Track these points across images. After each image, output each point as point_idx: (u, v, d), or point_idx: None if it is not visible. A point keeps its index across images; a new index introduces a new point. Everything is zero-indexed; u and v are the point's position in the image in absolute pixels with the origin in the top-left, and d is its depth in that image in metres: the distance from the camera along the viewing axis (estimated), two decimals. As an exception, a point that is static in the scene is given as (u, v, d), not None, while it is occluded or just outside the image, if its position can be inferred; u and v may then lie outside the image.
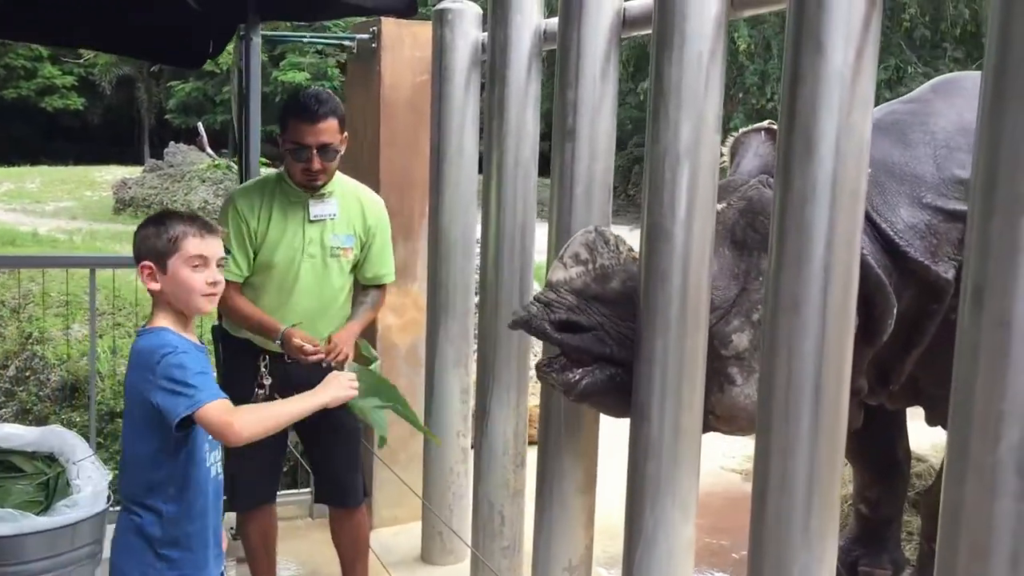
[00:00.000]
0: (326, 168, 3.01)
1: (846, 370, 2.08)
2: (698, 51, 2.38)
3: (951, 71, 17.12)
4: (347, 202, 3.16)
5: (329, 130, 2.98)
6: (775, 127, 2.97)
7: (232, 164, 20.84)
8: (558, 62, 2.88)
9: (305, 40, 4.09)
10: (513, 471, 3.39)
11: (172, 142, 22.54)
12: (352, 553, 3.26)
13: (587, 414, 2.97)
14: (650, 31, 2.71)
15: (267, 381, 3.02)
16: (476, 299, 3.87)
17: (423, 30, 4.02)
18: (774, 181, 2.11)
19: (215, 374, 3.47)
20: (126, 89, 34.46)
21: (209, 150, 22.58)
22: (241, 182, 3.95)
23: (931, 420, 3.30)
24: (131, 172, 22.90)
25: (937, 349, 2.97)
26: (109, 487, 3.52)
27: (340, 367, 2.88)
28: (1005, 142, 1.60)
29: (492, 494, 3.38)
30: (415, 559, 3.96)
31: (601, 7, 2.79)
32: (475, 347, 3.84)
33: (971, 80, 3.23)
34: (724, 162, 3.02)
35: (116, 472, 5.73)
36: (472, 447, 3.71)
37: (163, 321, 2.18)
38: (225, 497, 3.39)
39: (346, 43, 4.14)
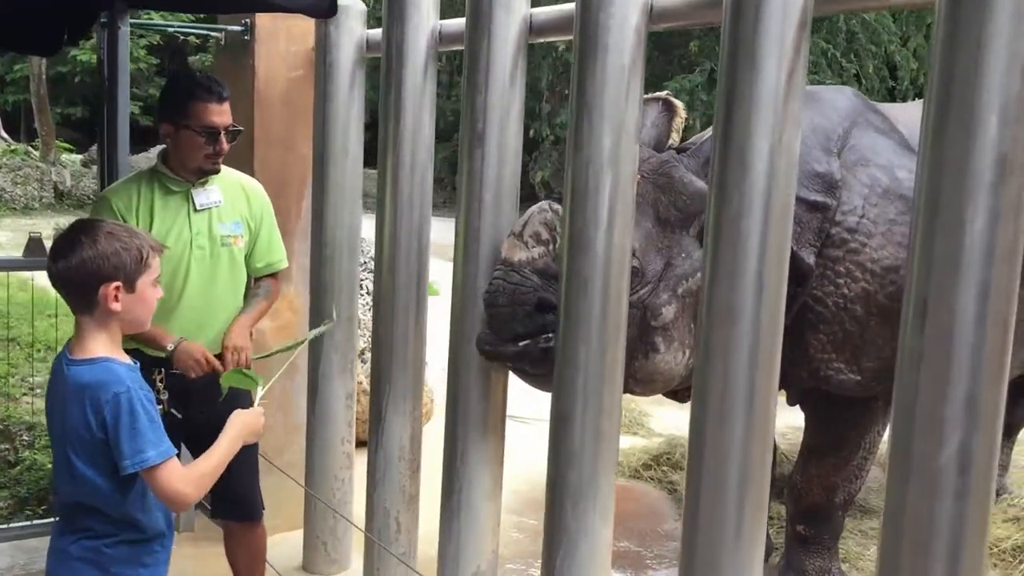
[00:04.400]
0: (225, 151, 2.92)
1: (775, 376, 2.18)
2: (620, 63, 2.43)
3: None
4: (230, 188, 3.05)
5: (230, 111, 2.92)
6: (672, 99, 3.13)
7: (31, 149, 19.46)
8: (466, 67, 2.86)
9: (170, 30, 3.87)
10: (409, 476, 3.36)
11: (-38, 125, 20.82)
12: (251, 569, 3.14)
13: (493, 419, 2.99)
14: (557, 38, 2.76)
15: (164, 396, 2.84)
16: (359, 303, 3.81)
17: (297, 23, 3.89)
18: (709, 197, 2.18)
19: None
20: (-100, 64, 31.47)
21: (3, 133, 21.01)
22: (104, 178, 3.71)
23: (790, 400, 3.54)
24: (-87, 157, 20.97)
25: (791, 330, 3.20)
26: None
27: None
28: (948, 168, 1.72)
29: (388, 500, 3.34)
30: (296, 569, 3.86)
31: (510, 13, 2.79)
32: (359, 352, 3.78)
33: (822, 93, 3.46)
34: None
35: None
36: (362, 452, 3.65)
37: (102, 348, 2.03)
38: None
39: (213, 34, 3.95)
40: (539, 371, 2.81)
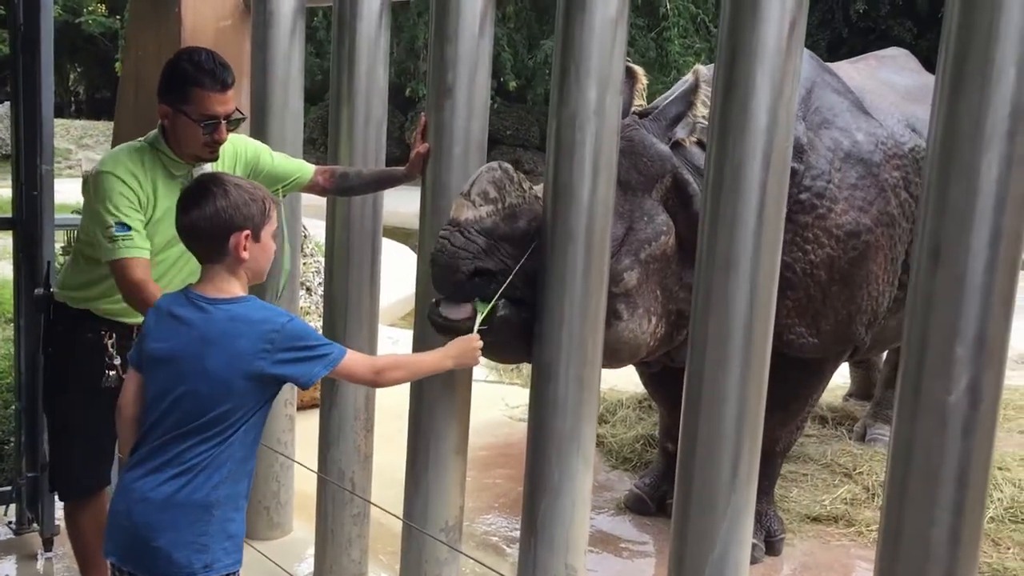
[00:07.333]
0: (225, 140, 2.75)
1: (771, 323, 2.25)
2: (606, 15, 2.43)
3: (633, 37, 18.46)
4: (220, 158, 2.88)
5: (234, 95, 2.73)
6: (632, 65, 3.14)
7: None
8: (434, 17, 2.81)
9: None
10: (364, 436, 3.31)
11: None
12: None
13: (460, 373, 2.97)
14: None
15: (117, 361, 2.70)
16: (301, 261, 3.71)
17: (225, -30, 3.73)
18: (708, 149, 2.22)
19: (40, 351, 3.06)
20: None
21: None
22: (20, 133, 3.46)
23: None
24: None
25: None
26: None
27: None
28: (962, 119, 1.80)
29: (343, 460, 3.29)
30: (236, 535, 3.75)
31: (482, -37, 2.75)
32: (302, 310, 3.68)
33: None
34: None
35: None
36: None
37: (241, 291, 2.13)
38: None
39: (132, -21, 3.73)
40: (496, 340, 2.69)
